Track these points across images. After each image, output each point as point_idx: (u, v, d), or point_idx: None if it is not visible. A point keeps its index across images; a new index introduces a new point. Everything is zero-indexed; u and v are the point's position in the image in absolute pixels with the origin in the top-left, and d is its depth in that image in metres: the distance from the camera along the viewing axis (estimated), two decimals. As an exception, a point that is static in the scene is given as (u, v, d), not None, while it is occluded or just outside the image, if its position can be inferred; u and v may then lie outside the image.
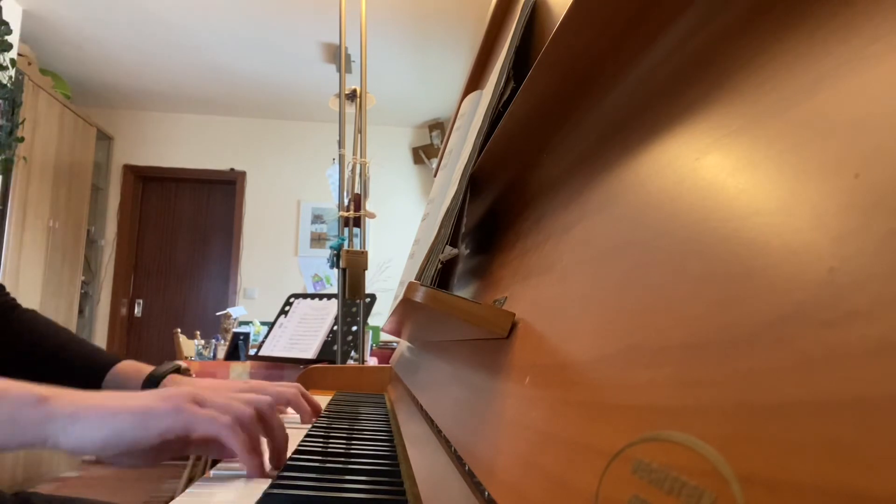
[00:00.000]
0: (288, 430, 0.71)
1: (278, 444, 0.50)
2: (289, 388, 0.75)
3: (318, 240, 4.63)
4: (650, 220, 0.22)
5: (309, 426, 0.73)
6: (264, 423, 0.50)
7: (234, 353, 2.37)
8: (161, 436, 0.43)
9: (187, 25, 3.43)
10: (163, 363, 0.74)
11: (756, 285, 0.14)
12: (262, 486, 0.43)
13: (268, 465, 0.48)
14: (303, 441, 0.60)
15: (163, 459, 0.47)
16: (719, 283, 0.15)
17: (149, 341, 4.60)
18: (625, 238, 0.23)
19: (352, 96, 2.02)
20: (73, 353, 0.74)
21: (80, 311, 4.25)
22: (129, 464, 0.46)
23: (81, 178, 4.15)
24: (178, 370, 0.73)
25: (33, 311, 0.79)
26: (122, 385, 0.72)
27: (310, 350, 1.80)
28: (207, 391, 0.49)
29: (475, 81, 0.88)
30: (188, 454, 0.49)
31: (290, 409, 0.77)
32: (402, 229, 4.54)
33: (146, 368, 0.73)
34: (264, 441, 0.50)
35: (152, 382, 0.70)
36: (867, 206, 0.11)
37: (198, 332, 2.95)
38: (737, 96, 0.19)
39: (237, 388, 0.68)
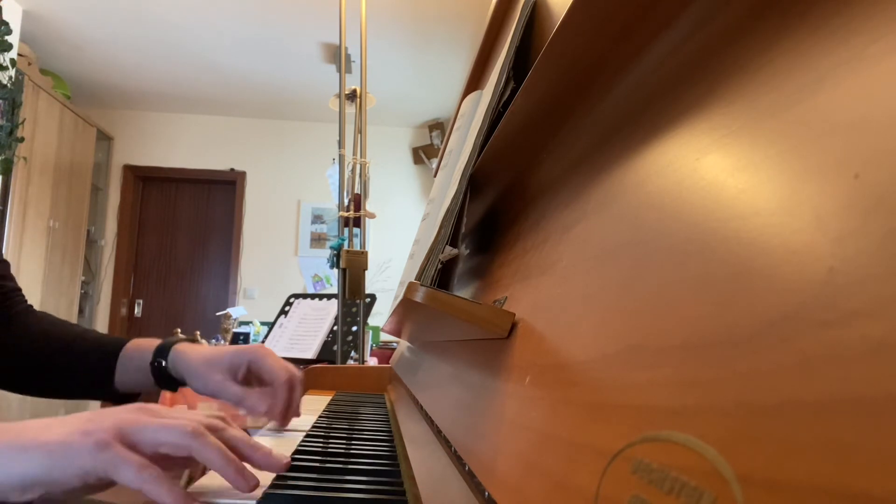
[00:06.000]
0: (287, 435, 0.71)
1: (245, 454, 0.44)
2: (286, 378, 0.67)
3: (318, 240, 4.63)
4: (650, 220, 0.22)
5: (297, 426, 0.72)
6: (219, 436, 0.44)
7: (234, 353, 2.36)
8: (80, 477, 0.37)
9: (187, 25, 3.43)
10: (176, 335, 0.74)
11: (756, 285, 0.14)
12: (263, 485, 0.43)
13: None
14: (303, 441, 0.60)
15: (108, 488, 0.41)
16: (719, 283, 0.15)
17: (149, 341, 4.60)
18: (625, 238, 0.23)
19: (352, 96, 2.02)
20: (85, 343, 0.76)
21: (80, 311, 4.26)
22: (72, 497, 0.40)
23: (81, 178, 4.15)
24: (189, 341, 0.73)
25: (44, 314, 0.81)
26: (136, 361, 0.73)
27: (310, 350, 1.80)
28: (146, 414, 0.42)
29: (475, 81, 0.88)
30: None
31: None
32: (402, 229, 4.54)
33: (156, 341, 0.73)
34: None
35: (162, 353, 0.71)
36: (867, 207, 0.11)
37: (198, 332, 2.95)
38: (737, 96, 0.19)
39: (235, 352, 0.67)
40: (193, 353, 0.70)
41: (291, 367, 0.69)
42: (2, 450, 0.38)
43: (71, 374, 0.75)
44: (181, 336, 0.75)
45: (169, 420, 0.42)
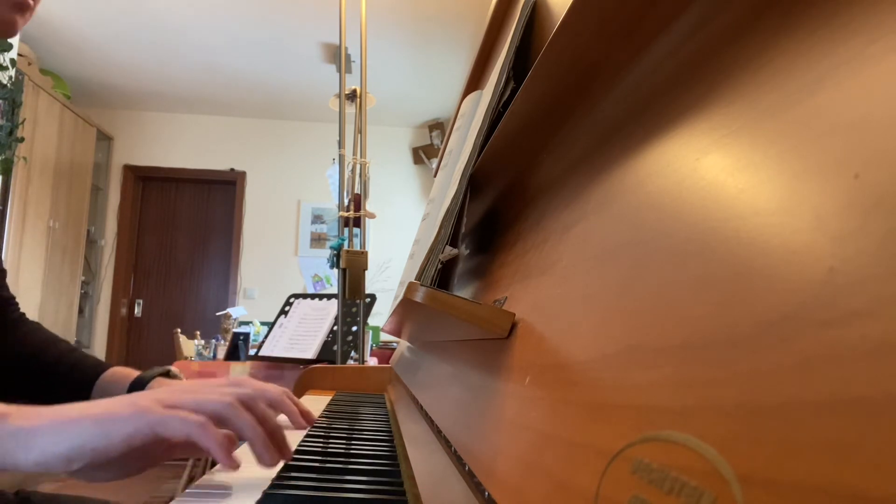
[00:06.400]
0: (288, 432, 0.71)
1: (272, 430, 0.47)
2: (274, 388, 0.71)
3: (318, 240, 4.63)
4: (650, 220, 0.22)
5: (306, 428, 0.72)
6: (251, 411, 0.46)
7: (234, 353, 2.37)
8: (126, 442, 0.39)
9: (187, 26, 3.43)
10: (152, 368, 0.73)
11: (756, 285, 0.14)
12: (262, 485, 0.43)
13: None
14: (303, 441, 0.60)
15: (144, 468, 0.43)
16: (719, 283, 0.15)
17: (149, 341, 4.60)
18: (625, 238, 0.23)
19: (352, 96, 2.02)
20: (65, 364, 0.76)
21: (80, 311, 4.26)
22: (108, 477, 0.42)
23: (81, 178, 4.15)
24: (166, 374, 0.73)
25: (37, 324, 0.81)
26: (110, 391, 0.72)
27: (310, 350, 1.80)
28: (181, 392, 0.45)
29: (475, 81, 0.88)
30: (173, 458, 0.44)
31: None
32: (402, 229, 4.54)
33: (134, 373, 0.73)
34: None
35: (138, 386, 0.69)
36: (867, 206, 0.11)
37: (198, 332, 2.95)
38: (737, 96, 0.19)
39: (218, 384, 0.67)
40: None
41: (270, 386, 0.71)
42: (47, 424, 0.40)
43: (46, 392, 0.75)
44: (157, 370, 0.72)
45: (208, 393, 0.45)
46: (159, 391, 0.44)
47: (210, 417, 0.43)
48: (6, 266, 0.85)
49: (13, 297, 0.81)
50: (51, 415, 0.40)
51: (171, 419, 0.40)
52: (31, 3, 0.66)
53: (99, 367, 0.75)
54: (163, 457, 0.44)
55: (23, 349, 0.76)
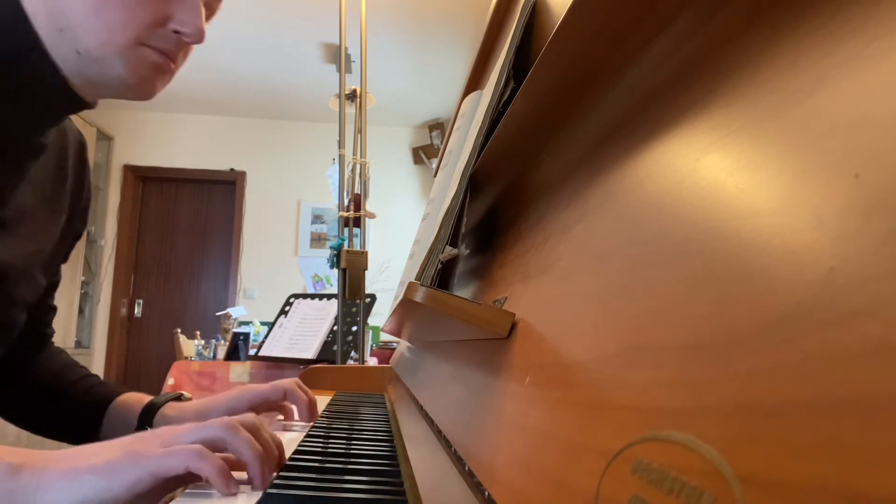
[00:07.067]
0: (289, 432, 0.71)
1: (269, 452, 0.48)
2: (287, 380, 0.75)
3: (318, 240, 4.63)
4: (650, 220, 0.22)
5: (310, 425, 0.73)
6: (254, 434, 0.48)
7: (234, 353, 2.36)
8: (129, 490, 0.40)
9: (187, 25, 3.42)
10: (163, 393, 0.76)
11: (756, 285, 0.14)
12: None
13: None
14: (303, 441, 0.60)
15: (159, 499, 0.44)
16: (719, 283, 0.15)
17: (149, 341, 4.60)
18: (625, 238, 0.23)
19: (352, 96, 2.02)
20: (80, 388, 0.78)
21: (80, 311, 4.25)
22: None
23: (81, 178, 4.14)
24: (177, 399, 0.74)
25: (59, 349, 0.83)
26: (122, 415, 0.74)
27: (310, 350, 1.80)
28: (180, 425, 0.46)
29: (475, 81, 0.88)
30: (184, 485, 0.45)
31: (293, 416, 0.77)
32: (402, 229, 4.54)
33: (146, 398, 0.74)
34: None
35: (149, 412, 0.72)
36: (867, 206, 0.11)
37: (198, 332, 2.95)
38: (737, 96, 0.19)
39: (230, 395, 0.71)
40: (179, 415, 0.71)
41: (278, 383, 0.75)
42: (55, 478, 0.40)
43: (58, 417, 0.77)
44: (169, 395, 0.75)
45: (206, 422, 0.46)
46: (163, 430, 0.46)
47: (208, 443, 0.44)
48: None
49: (53, 333, 0.83)
50: (56, 469, 0.41)
51: (167, 458, 0.41)
52: (173, 66, 0.61)
53: (112, 393, 0.77)
54: (172, 490, 0.45)
55: (44, 373, 0.78)
